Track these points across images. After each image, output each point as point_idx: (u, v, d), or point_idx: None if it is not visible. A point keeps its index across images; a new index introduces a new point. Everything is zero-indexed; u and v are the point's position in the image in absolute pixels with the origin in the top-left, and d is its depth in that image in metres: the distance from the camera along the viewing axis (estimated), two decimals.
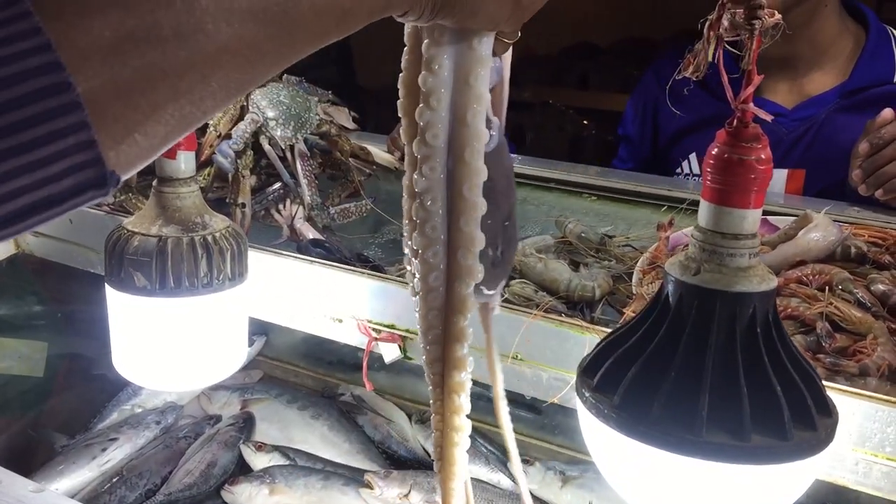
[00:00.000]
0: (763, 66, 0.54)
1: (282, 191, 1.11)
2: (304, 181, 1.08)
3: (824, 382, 0.63)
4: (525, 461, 1.31)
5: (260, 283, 0.95)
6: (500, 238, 0.61)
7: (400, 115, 0.58)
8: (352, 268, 0.96)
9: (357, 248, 1.14)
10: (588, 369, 0.62)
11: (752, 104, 0.55)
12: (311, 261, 0.95)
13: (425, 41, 0.52)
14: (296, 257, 0.97)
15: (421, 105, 0.53)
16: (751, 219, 0.57)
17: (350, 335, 0.95)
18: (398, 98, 0.57)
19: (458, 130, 0.53)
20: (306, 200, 1.08)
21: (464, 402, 0.61)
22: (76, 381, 1.59)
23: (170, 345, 0.88)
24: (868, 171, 1.20)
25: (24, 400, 1.49)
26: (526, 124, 3.48)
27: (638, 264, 0.94)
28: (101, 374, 1.63)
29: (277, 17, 0.39)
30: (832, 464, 0.70)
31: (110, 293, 0.88)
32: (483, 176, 0.54)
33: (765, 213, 1.07)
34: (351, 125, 1.33)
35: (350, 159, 1.23)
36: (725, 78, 0.55)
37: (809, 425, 0.56)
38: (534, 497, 1.28)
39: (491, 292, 0.63)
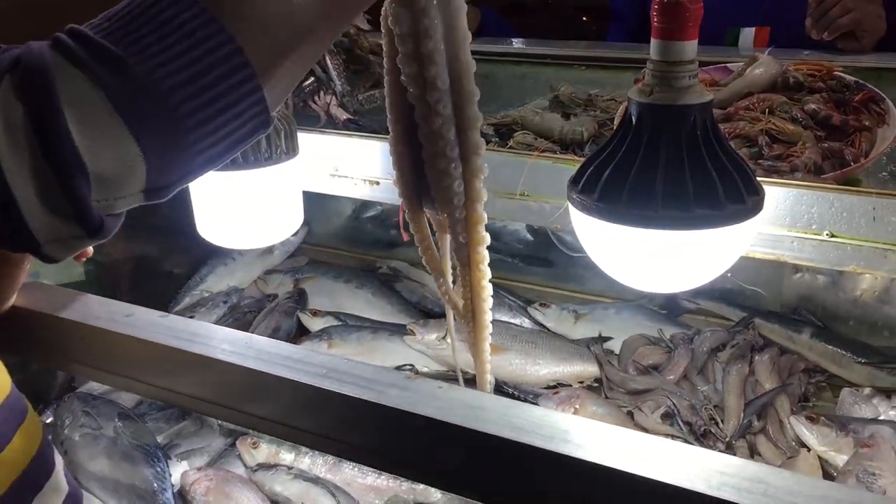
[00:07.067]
0: None
1: (315, 84, 1.29)
2: (333, 73, 1.26)
3: (763, 179, 0.81)
4: (543, 304, 1.53)
5: (308, 159, 1.14)
6: None
7: None
8: (383, 135, 1.14)
9: (384, 126, 1.32)
10: (575, 179, 0.81)
11: None
12: (350, 134, 1.14)
13: None
14: (337, 133, 1.15)
15: None
16: (689, 48, 0.75)
17: (385, 195, 1.15)
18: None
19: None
20: (337, 90, 1.26)
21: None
22: (147, 279, 1.83)
23: (243, 210, 1.08)
24: (815, 17, 1.37)
25: (107, 294, 1.72)
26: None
27: (618, 111, 1.12)
28: (168, 271, 1.87)
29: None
30: (774, 244, 0.90)
31: None
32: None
33: (729, 62, 1.24)
34: (366, 25, 1.49)
35: (370, 55, 1.41)
36: None
37: (739, 200, 0.75)
38: (552, 332, 1.49)
39: None
